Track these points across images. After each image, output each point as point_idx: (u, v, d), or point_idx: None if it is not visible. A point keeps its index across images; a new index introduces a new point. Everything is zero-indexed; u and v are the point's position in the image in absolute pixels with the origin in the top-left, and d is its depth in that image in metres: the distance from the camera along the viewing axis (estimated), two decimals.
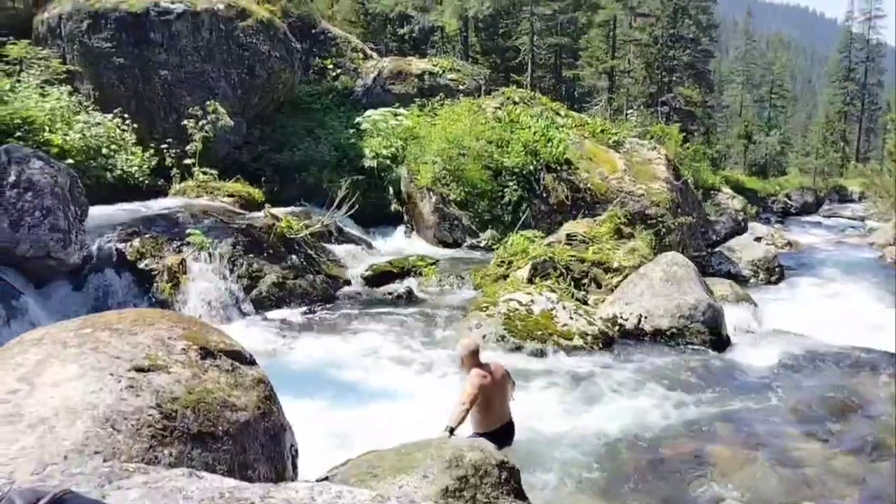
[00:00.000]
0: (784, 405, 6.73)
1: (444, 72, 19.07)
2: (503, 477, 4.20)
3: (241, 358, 4.38)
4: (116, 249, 8.79)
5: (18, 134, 10.12)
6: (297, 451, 4.41)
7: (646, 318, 8.49)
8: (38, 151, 8.33)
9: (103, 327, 4.01)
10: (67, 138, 11.08)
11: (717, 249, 17.60)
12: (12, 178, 7.62)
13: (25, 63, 12.66)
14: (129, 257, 8.71)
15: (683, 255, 15.35)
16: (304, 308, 9.10)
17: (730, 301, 10.99)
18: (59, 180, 7.98)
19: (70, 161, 9.87)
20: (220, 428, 3.67)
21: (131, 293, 8.46)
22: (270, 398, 4.28)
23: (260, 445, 3.92)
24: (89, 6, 13.99)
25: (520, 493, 4.23)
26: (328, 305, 9.29)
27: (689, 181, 16.75)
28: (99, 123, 12.23)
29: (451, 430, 4.93)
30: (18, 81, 11.73)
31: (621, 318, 8.58)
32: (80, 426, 3.14)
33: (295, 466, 4.33)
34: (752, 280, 16.85)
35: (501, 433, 5.15)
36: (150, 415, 3.37)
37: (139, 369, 3.68)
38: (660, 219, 14.03)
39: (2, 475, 2.83)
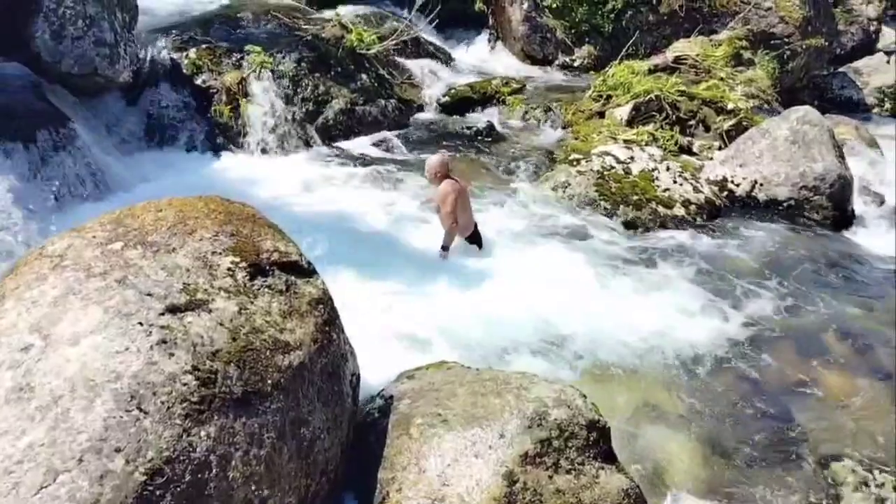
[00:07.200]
0: None
1: None
2: (592, 438, 3.63)
3: (297, 270, 3.70)
4: (171, 60, 7.93)
5: None
6: (358, 377, 3.91)
7: (761, 185, 7.37)
8: None
9: (135, 240, 3.36)
10: None
11: (840, 70, 15.42)
12: None
13: None
14: (185, 71, 7.87)
15: (804, 81, 13.59)
16: (374, 138, 8.24)
17: (853, 149, 9.61)
18: None
19: None
20: (269, 381, 3.12)
21: (189, 113, 7.74)
22: (330, 322, 3.67)
23: (316, 391, 3.39)
24: None
25: (609, 455, 3.68)
26: (399, 136, 8.40)
27: None
28: None
29: (446, 248, 5.81)
30: None
31: (732, 182, 7.48)
32: (99, 409, 2.61)
33: (356, 398, 3.85)
34: (876, 110, 14.94)
35: (474, 238, 6.03)
36: (184, 384, 2.82)
37: (174, 309, 3.07)
38: (786, 39, 12.02)
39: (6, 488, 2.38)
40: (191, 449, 2.70)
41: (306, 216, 6.21)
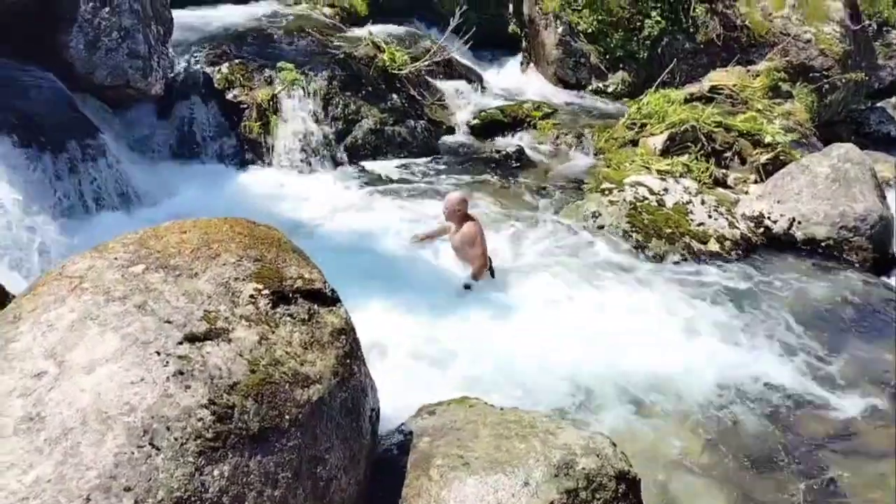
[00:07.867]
0: None
1: None
2: (621, 491, 3.46)
3: (321, 298, 3.57)
4: (204, 74, 7.94)
5: None
6: (378, 413, 3.76)
7: (799, 223, 7.13)
8: None
9: (157, 264, 3.26)
10: None
11: (878, 105, 15.10)
12: None
13: None
14: (216, 85, 7.87)
15: (841, 115, 13.32)
16: (402, 160, 8.17)
17: (892, 188, 9.35)
18: None
19: None
20: (287, 416, 2.98)
21: (219, 128, 7.74)
22: (352, 354, 3.53)
23: (334, 426, 3.25)
24: None
25: None
26: (427, 159, 8.31)
27: (868, 23, 13.93)
28: None
29: (468, 287, 5.70)
30: None
31: (769, 218, 7.25)
32: (110, 443, 2.50)
33: (374, 434, 3.71)
34: None
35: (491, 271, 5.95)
36: (200, 419, 2.69)
37: (193, 338, 2.96)
38: (825, 72, 11.78)
39: None
40: (203, 489, 2.57)
41: (331, 238, 6.12)
